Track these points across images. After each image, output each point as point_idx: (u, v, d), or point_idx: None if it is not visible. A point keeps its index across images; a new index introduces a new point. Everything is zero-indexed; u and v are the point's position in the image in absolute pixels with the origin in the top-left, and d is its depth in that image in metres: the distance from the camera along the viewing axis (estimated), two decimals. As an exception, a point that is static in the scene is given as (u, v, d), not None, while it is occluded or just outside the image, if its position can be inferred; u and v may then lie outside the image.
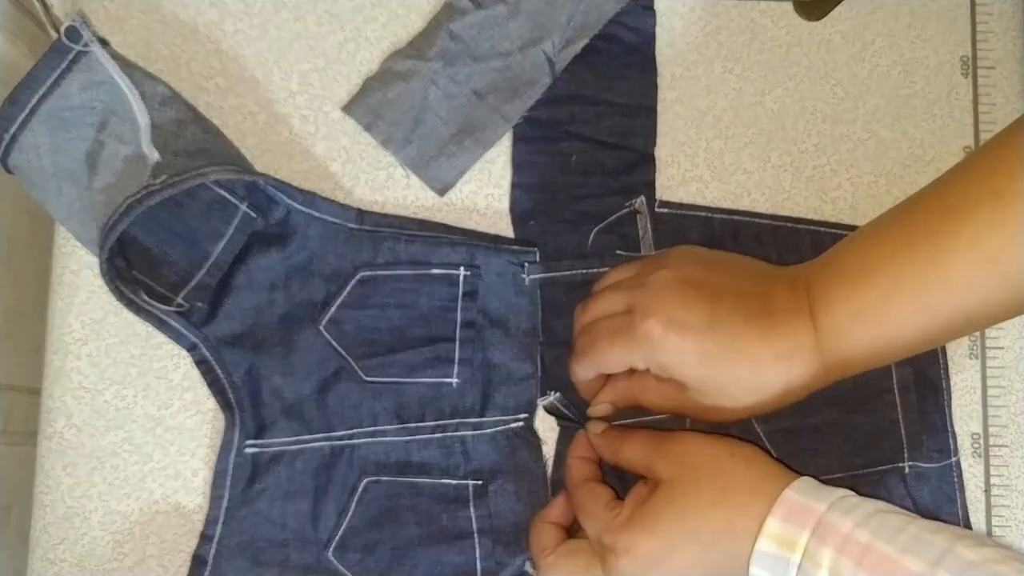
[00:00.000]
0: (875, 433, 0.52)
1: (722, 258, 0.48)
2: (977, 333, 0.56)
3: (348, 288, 0.50)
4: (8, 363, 0.58)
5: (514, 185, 0.53)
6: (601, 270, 0.52)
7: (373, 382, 0.50)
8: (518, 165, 0.53)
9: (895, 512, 0.40)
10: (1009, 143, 0.41)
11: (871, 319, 0.42)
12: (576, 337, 0.49)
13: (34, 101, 0.48)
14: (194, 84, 0.53)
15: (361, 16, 0.54)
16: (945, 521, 0.52)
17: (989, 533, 0.54)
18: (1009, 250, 0.38)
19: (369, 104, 0.52)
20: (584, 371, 0.48)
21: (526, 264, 0.52)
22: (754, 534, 0.40)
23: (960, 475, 0.53)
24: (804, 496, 0.41)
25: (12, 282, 0.58)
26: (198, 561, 0.49)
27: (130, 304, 0.47)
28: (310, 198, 0.50)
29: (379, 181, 0.53)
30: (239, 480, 0.49)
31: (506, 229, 0.53)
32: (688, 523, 0.42)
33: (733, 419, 0.45)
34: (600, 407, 0.49)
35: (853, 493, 0.42)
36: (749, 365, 0.42)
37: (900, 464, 0.52)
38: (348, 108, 0.53)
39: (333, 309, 0.50)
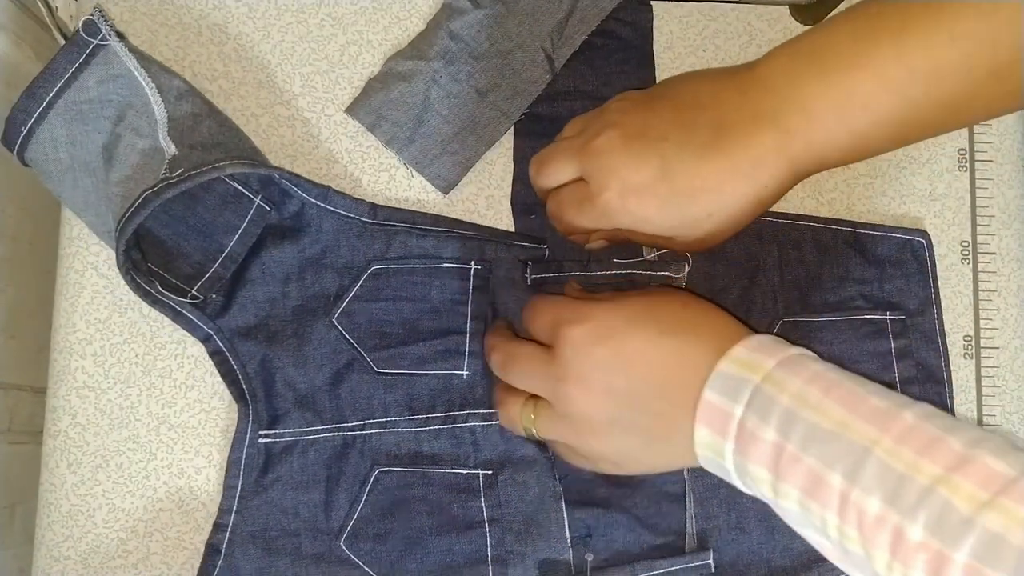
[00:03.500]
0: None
1: (662, 91, 0.45)
2: (971, 334, 0.56)
3: (361, 281, 0.51)
4: (13, 362, 0.59)
5: (516, 179, 0.54)
6: (601, 273, 0.52)
7: (384, 374, 0.51)
8: (520, 159, 0.54)
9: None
10: None
11: (854, 119, 0.40)
12: (539, 195, 0.49)
13: (51, 94, 0.48)
14: (198, 86, 0.53)
15: (363, 19, 0.55)
16: None
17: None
18: (1006, 41, 0.37)
19: (372, 105, 0.53)
20: (564, 230, 0.48)
21: (529, 264, 0.52)
22: (714, 354, 0.40)
23: None
24: (777, 341, 0.41)
25: (17, 282, 0.59)
26: (211, 550, 0.49)
27: (146, 296, 0.48)
28: (324, 192, 0.51)
29: (381, 183, 0.54)
30: (252, 470, 0.50)
31: (507, 230, 0.54)
32: (653, 308, 0.42)
33: (720, 242, 0.45)
34: (596, 243, 0.49)
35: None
36: (713, 198, 0.42)
37: None
38: (351, 109, 0.53)
39: (346, 302, 0.51)
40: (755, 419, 0.38)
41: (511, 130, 0.54)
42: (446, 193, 0.54)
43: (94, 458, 0.51)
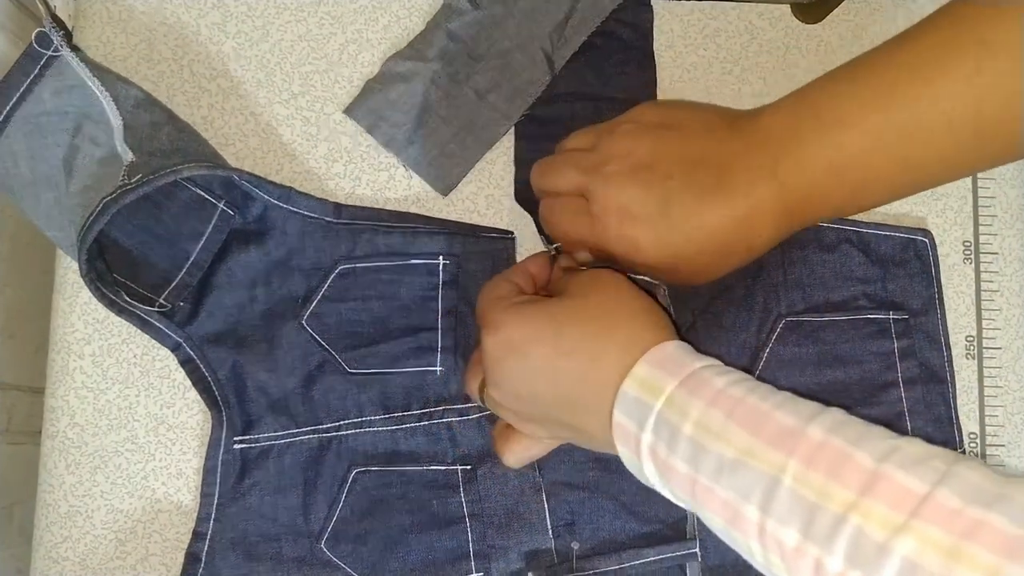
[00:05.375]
0: (881, 426, 0.53)
1: (673, 120, 0.45)
2: (974, 334, 0.56)
3: (328, 281, 0.51)
4: (11, 362, 0.58)
5: (517, 182, 0.54)
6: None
7: (357, 374, 0.51)
8: (520, 162, 0.54)
9: (769, 385, 0.39)
10: None
11: (847, 174, 0.41)
12: (538, 199, 0.49)
13: (8, 108, 0.48)
14: (196, 85, 0.53)
15: (362, 19, 0.54)
16: None
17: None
18: (990, 102, 0.38)
19: (370, 106, 0.53)
20: (552, 233, 0.48)
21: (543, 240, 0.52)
22: (618, 371, 0.40)
23: None
24: (681, 352, 0.40)
25: (16, 282, 0.59)
26: (191, 558, 0.49)
27: (111, 305, 0.47)
28: (286, 193, 0.50)
29: (381, 182, 0.54)
30: (229, 476, 0.50)
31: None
32: (558, 322, 0.41)
33: (700, 282, 0.45)
34: (582, 256, 0.48)
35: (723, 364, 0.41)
36: (708, 240, 0.42)
37: None
38: (350, 110, 0.53)
39: (314, 303, 0.51)
40: (664, 448, 0.38)
41: (511, 131, 0.54)
42: (445, 195, 0.53)
43: (92, 459, 0.51)
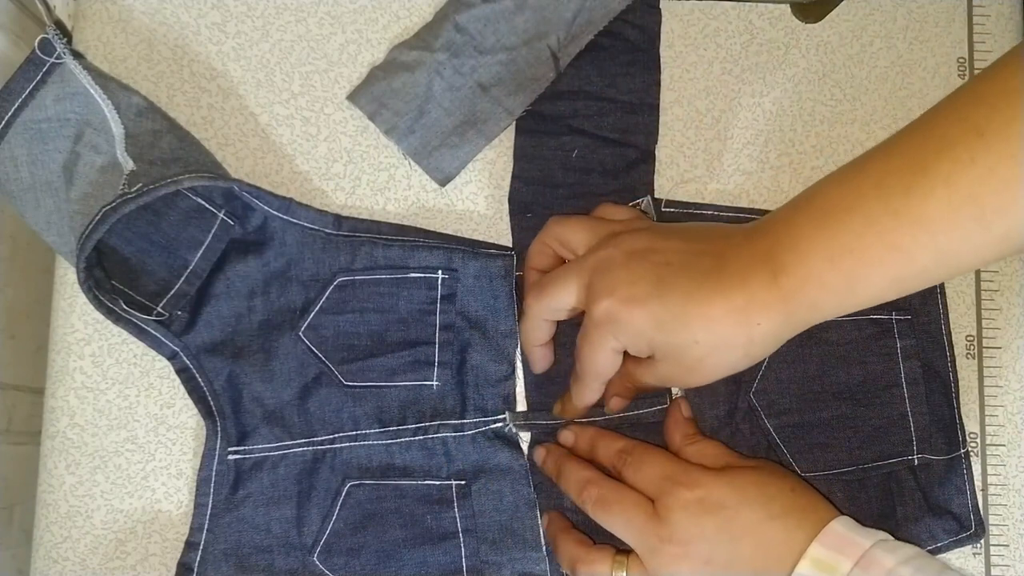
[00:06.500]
0: (884, 426, 0.53)
1: (677, 228, 0.47)
2: (974, 333, 0.56)
3: (327, 293, 0.51)
4: (11, 362, 0.58)
5: (514, 177, 0.54)
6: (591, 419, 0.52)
7: (353, 386, 0.50)
8: (519, 157, 0.54)
9: (932, 558, 0.42)
10: (993, 78, 0.39)
11: (843, 262, 0.40)
12: (526, 343, 0.50)
13: (9, 113, 0.49)
14: (196, 85, 0.53)
15: (363, 18, 0.54)
16: (955, 513, 0.53)
17: (985, 531, 0.55)
18: (987, 189, 0.37)
19: (373, 93, 0.53)
20: (591, 391, 0.48)
21: (513, 424, 0.52)
22: (791, 560, 0.42)
23: (969, 467, 0.54)
24: (848, 530, 0.42)
25: (16, 281, 0.59)
26: (184, 569, 0.49)
27: (109, 313, 0.47)
28: (286, 204, 0.50)
29: (380, 182, 0.54)
30: (222, 487, 0.50)
31: (507, 229, 0.54)
32: (767, 490, 0.44)
33: (710, 380, 0.44)
34: (613, 403, 0.49)
35: (891, 536, 0.43)
36: (703, 324, 0.42)
37: (909, 457, 0.52)
38: (353, 96, 0.53)
39: (312, 315, 0.50)
40: None
41: (512, 129, 0.54)
42: (443, 185, 0.53)
43: (92, 459, 0.51)
